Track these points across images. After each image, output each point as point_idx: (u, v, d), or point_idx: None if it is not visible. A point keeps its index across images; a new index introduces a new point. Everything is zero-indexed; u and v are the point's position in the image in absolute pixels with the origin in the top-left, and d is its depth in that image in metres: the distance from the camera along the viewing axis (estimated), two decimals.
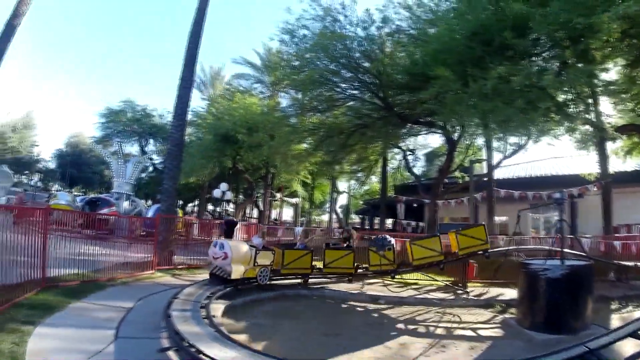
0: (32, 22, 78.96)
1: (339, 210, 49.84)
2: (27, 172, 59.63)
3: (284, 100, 28.16)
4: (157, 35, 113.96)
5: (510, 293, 9.40)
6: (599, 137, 13.02)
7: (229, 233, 9.43)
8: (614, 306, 9.28)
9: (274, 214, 48.48)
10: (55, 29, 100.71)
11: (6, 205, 11.33)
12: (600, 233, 14.57)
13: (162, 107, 61.84)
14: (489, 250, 9.97)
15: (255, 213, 45.01)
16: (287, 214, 52.55)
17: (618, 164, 17.09)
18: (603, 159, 14.49)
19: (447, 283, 11.04)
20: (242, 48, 74.95)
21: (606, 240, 13.64)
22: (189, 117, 16.18)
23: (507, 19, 9.07)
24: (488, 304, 8.91)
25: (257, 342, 5.83)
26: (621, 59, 10.12)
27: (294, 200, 35.38)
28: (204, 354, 4.35)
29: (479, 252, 10.02)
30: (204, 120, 27.68)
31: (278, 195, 31.04)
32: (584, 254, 10.32)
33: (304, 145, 22.11)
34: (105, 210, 19.79)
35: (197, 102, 37.60)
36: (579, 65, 9.47)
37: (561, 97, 10.93)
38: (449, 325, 7.29)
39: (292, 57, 16.43)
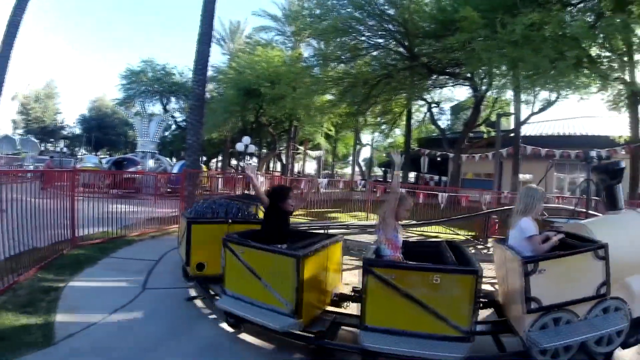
0: None
1: (362, 163, 49.78)
2: (52, 139, 61.33)
3: (306, 52, 27.65)
4: None
5: None
6: (632, 97, 12.27)
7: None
8: None
9: (297, 167, 48.84)
10: None
11: (36, 170, 11.78)
12: (626, 198, 14.14)
13: (183, 64, 61.59)
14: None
15: (278, 167, 45.48)
16: (310, 167, 52.73)
17: None
18: (635, 121, 13.22)
19: (468, 237, 10.98)
20: (262, 0, 73.17)
21: (631, 205, 13.25)
22: (210, 72, 16.06)
23: None
24: None
25: None
26: None
27: (316, 153, 35.21)
28: None
29: None
30: (225, 75, 27.49)
31: (301, 148, 31.01)
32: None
33: (328, 97, 21.89)
34: (131, 169, 20.42)
35: (218, 57, 37.10)
36: (615, 17, 8.89)
37: (594, 52, 10.37)
38: None
39: (313, 6, 15.95)
